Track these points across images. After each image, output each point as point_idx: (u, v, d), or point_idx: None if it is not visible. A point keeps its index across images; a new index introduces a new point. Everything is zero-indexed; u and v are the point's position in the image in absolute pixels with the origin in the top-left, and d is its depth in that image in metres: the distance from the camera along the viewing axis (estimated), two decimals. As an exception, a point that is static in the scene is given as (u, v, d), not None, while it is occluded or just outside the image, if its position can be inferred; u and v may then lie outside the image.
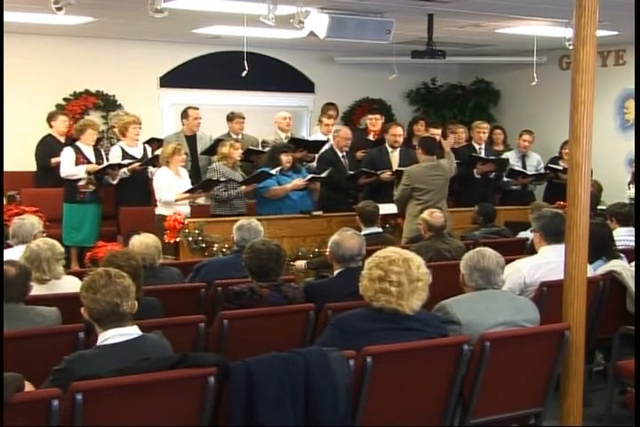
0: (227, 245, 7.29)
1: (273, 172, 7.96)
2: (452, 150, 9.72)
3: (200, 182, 8.19)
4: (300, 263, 7.01)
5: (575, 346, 4.04)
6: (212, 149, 8.80)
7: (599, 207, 7.98)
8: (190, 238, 7.49)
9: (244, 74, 8.60)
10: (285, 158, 8.15)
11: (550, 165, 9.84)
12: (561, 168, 9.34)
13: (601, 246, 5.30)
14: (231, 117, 9.57)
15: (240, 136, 9.50)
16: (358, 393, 3.41)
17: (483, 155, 9.62)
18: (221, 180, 7.91)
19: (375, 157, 8.83)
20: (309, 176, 8.23)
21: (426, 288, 3.65)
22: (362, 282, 3.66)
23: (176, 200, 7.86)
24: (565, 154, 9.02)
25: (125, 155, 8.69)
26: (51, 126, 9.22)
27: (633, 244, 6.13)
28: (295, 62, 11.95)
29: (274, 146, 8.74)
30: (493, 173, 9.52)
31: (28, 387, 3.02)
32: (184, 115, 9.49)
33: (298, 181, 8.10)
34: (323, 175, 8.26)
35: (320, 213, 8.19)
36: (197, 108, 9.48)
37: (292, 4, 7.58)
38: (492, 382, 3.78)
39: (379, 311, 3.58)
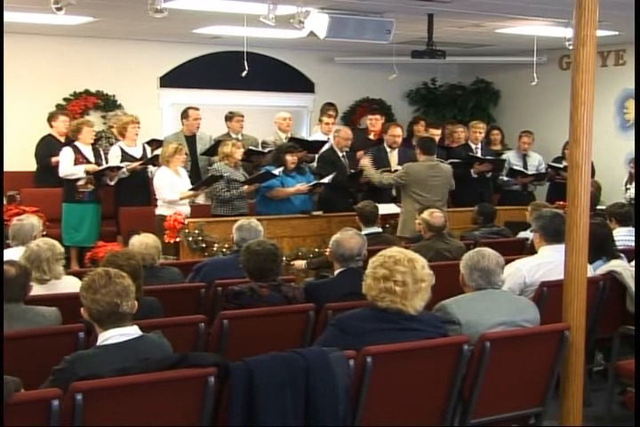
0: (227, 245, 7.29)
1: (276, 172, 7.95)
2: (450, 149, 9.78)
3: (204, 179, 8.18)
4: (300, 263, 7.01)
5: (575, 346, 4.04)
6: (212, 150, 8.80)
7: (598, 207, 7.98)
8: (190, 238, 7.48)
9: (243, 74, 8.59)
10: (290, 159, 8.13)
11: (551, 164, 9.84)
12: (562, 166, 9.33)
13: (601, 246, 5.30)
14: (230, 117, 9.54)
15: (240, 136, 9.49)
16: (358, 393, 3.41)
17: (479, 154, 9.62)
18: (224, 175, 7.91)
19: (374, 157, 8.82)
20: (314, 182, 8.20)
21: (429, 289, 3.66)
22: (365, 281, 3.65)
23: (181, 199, 7.86)
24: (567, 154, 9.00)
25: (125, 155, 8.67)
26: (51, 126, 9.21)
27: (633, 244, 6.13)
28: (295, 62, 11.94)
29: (279, 146, 8.72)
30: (490, 173, 9.52)
31: None
32: (184, 115, 9.48)
33: (301, 186, 8.09)
34: (326, 181, 8.21)
35: (320, 213, 8.18)
36: (198, 109, 9.47)
37: (292, 3, 7.59)
38: (491, 382, 3.78)
39: (382, 311, 3.58)
